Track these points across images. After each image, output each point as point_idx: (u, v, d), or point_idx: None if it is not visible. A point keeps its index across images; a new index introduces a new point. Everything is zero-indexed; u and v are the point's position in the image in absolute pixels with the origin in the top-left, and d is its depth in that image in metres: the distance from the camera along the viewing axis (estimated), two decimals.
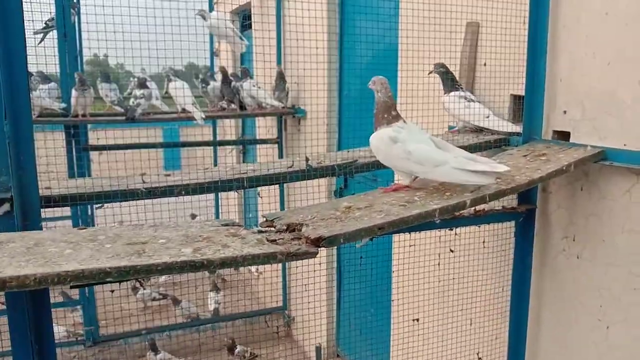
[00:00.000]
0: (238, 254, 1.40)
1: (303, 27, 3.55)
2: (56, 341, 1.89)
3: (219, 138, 6.90)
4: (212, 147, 6.71)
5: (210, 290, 5.75)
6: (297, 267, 4.75)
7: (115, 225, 2.21)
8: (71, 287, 1.43)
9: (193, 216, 5.96)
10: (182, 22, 4.01)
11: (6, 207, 1.75)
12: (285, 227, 1.64)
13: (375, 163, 2.26)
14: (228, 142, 6.89)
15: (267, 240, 1.52)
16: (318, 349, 4.78)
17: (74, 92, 4.20)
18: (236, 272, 6.82)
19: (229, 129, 7.43)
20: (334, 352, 5.11)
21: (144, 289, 6.05)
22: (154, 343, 4.87)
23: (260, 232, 1.62)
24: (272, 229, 1.66)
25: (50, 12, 4.39)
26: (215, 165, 6.28)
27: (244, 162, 6.73)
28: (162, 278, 6.42)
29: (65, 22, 4.36)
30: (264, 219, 1.73)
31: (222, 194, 6.84)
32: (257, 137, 6.22)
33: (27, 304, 1.69)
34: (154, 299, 5.99)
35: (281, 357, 5.06)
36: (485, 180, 1.83)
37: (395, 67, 3.50)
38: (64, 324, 5.10)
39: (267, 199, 5.29)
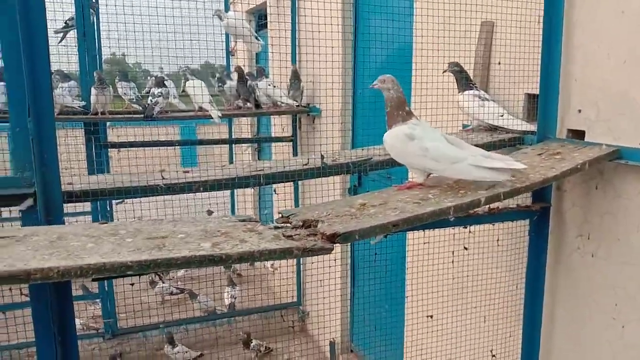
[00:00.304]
0: (255, 248, 1.42)
1: (319, 27, 3.57)
2: None
3: (234, 136, 6.98)
4: (228, 145, 6.78)
5: (227, 285, 5.82)
6: (311, 263, 4.79)
7: (135, 220, 2.26)
8: (93, 280, 1.47)
9: (209, 212, 6.02)
10: (199, 22, 4.08)
11: (29, 202, 1.81)
12: (301, 224, 1.66)
13: (390, 161, 2.27)
14: (244, 140, 6.96)
15: (284, 236, 1.54)
16: (332, 344, 4.82)
17: (93, 91, 4.27)
18: (251, 267, 6.89)
19: (244, 127, 7.51)
20: (347, 347, 5.14)
21: (163, 282, 6.14)
22: (172, 336, 4.95)
23: (276, 227, 1.64)
24: (288, 225, 1.68)
25: (70, 12, 4.48)
26: (231, 162, 6.35)
27: (259, 159, 6.78)
28: (180, 272, 6.52)
29: (84, 22, 4.44)
30: (280, 215, 1.76)
31: (238, 191, 6.91)
32: (272, 135, 6.27)
33: (50, 296, 1.74)
34: (171, 293, 6.08)
35: (296, 351, 5.11)
36: (501, 177, 1.85)
37: (410, 66, 3.51)
38: (83, 317, 5.21)
39: (282, 196, 5.33)
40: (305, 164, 2.30)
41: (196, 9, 4.12)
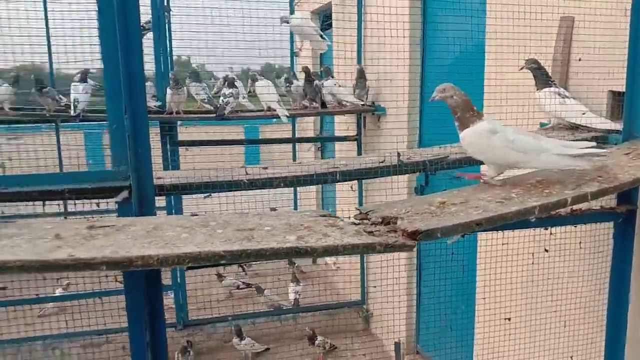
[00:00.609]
0: (339, 243, 1.45)
1: (384, 24, 3.56)
2: None
3: (297, 135, 7.07)
4: (291, 144, 6.89)
5: (291, 281, 5.91)
6: (376, 261, 4.78)
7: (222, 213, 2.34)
8: (187, 269, 1.55)
9: (273, 209, 6.13)
10: (264, 24, 4.19)
11: (125, 194, 1.92)
12: (380, 220, 1.67)
13: (467, 159, 2.25)
14: (309, 139, 7.03)
15: (365, 232, 1.56)
16: (397, 345, 4.78)
17: (169, 91, 4.46)
18: (315, 264, 6.95)
19: (307, 125, 7.59)
20: (413, 349, 5.09)
21: (246, 274, 6.34)
22: (240, 329, 5.08)
23: (354, 224, 1.67)
24: (367, 221, 1.70)
25: (147, 15, 4.68)
26: (294, 160, 6.45)
27: (321, 158, 6.84)
28: None
29: (160, 25, 4.64)
30: (359, 212, 1.77)
31: (300, 189, 6.99)
32: (336, 134, 6.32)
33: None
34: (238, 287, 6.25)
35: (360, 349, 5.11)
36: (586, 164, 1.84)
37: (482, 62, 3.45)
38: None
39: (344, 193, 5.34)
40: (382, 162, 2.31)
41: (265, 10, 4.24)
